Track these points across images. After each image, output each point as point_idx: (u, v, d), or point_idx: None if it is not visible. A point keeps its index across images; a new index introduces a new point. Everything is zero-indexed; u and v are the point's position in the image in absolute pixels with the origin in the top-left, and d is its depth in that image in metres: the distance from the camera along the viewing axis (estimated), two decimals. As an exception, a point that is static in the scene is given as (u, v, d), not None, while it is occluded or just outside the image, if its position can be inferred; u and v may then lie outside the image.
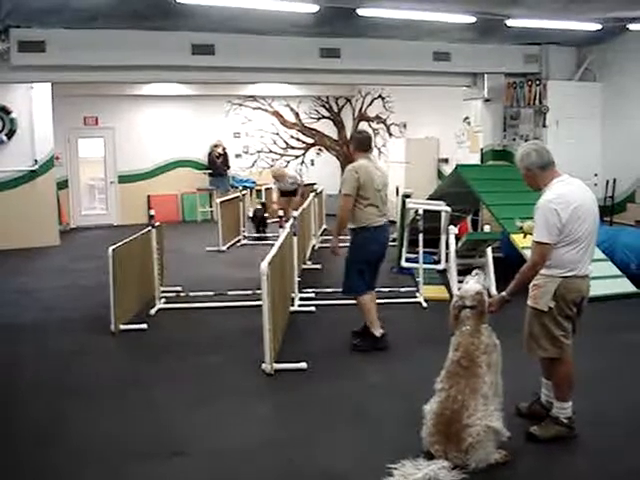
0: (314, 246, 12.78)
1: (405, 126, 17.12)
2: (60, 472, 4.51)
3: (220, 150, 17.98)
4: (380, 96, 17.92)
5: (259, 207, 15.55)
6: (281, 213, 12.28)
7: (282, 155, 19.38)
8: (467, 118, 14.02)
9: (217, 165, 17.88)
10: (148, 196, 17.65)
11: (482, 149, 13.05)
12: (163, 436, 5.02)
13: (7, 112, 13.86)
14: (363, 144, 7.01)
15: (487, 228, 9.79)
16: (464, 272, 7.79)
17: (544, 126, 12.16)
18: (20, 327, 7.98)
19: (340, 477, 4.35)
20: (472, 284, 4.67)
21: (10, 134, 13.93)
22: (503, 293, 4.71)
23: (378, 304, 8.46)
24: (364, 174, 6.76)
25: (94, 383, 6.17)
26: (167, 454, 4.72)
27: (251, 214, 15.32)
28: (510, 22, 10.15)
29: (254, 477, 4.40)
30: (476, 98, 12.96)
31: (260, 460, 4.63)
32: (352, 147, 7.24)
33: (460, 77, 12.64)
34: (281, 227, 8.73)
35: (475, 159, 13.10)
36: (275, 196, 14.13)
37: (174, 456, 4.69)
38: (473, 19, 9.87)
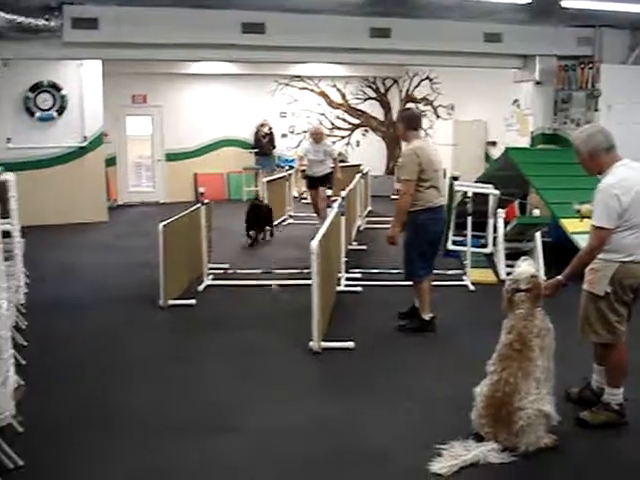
0: (359, 227, 12.77)
1: (453, 108, 16.96)
2: (109, 444, 4.58)
3: (266, 130, 18.01)
4: (428, 77, 17.78)
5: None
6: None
7: (328, 135, 19.31)
8: (517, 101, 13.83)
9: (263, 144, 17.92)
10: (195, 174, 17.78)
11: (532, 132, 12.88)
12: (211, 411, 5.09)
13: (58, 89, 14.05)
14: (413, 122, 6.80)
15: (537, 212, 9.68)
16: (512, 256, 7.77)
17: (596, 110, 11.94)
18: (69, 302, 8.11)
19: (388, 456, 4.36)
20: (525, 267, 4.63)
21: (60, 110, 14.11)
22: (559, 277, 4.66)
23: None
24: (424, 157, 6.57)
25: (143, 357, 6.27)
26: (215, 429, 4.79)
27: (296, 194, 15.32)
28: (565, 3, 9.96)
29: (301, 454, 4.44)
30: (527, 80, 12.77)
31: (307, 437, 4.68)
32: (402, 126, 6.85)
33: (511, 59, 12.46)
34: (329, 207, 8.73)
35: (524, 142, 12.94)
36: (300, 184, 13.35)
37: (222, 432, 4.75)
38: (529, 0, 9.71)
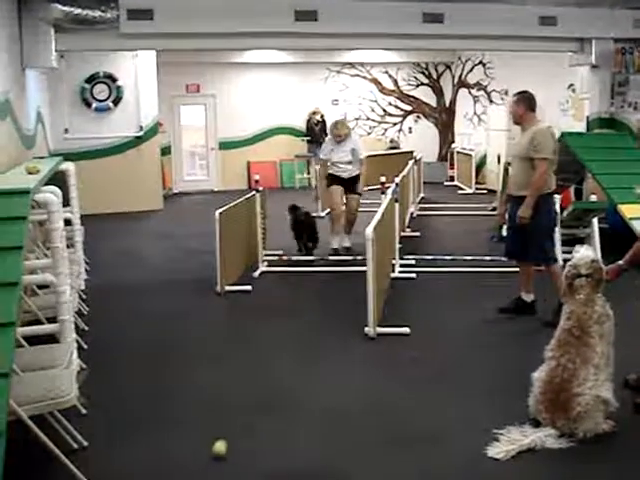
0: (413, 214, 12.73)
1: (506, 93, 16.75)
2: (174, 423, 4.68)
3: (318, 117, 18.06)
4: (481, 62, 17.60)
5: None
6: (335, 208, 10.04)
7: (380, 122, 19.29)
8: (572, 85, 13.62)
9: (315, 132, 17.96)
10: (248, 162, 17.92)
11: (588, 117, 12.66)
12: (268, 392, 5.16)
13: (113, 80, 14.27)
14: (533, 103, 6.64)
15: (593, 198, 9.54)
16: (568, 242, 7.68)
17: (654, 93, 11.71)
18: (128, 288, 8.28)
19: (445, 440, 4.37)
20: (585, 252, 4.58)
21: (116, 101, 14.35)
22: (620, 262, 4.61)
23: (480, 273, 8.47)
24: (555, 138, 6.55)
25: (202, 340, 6.37)
26: (273, 409, 4.86)
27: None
28: (622, -16, 9.77)
29: (356, 435, 4.48)
30: (582, 64, 12.55)
31: (363, 419, 4.72)
32: (523, 107, 6.58)
33: (566, 42, 12.23)
34: (383, 193, 8.73)
35: (580, 127, 12.73)
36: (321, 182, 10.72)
37: (279, 411, 4.82)
38: (586, -19, 9.54)
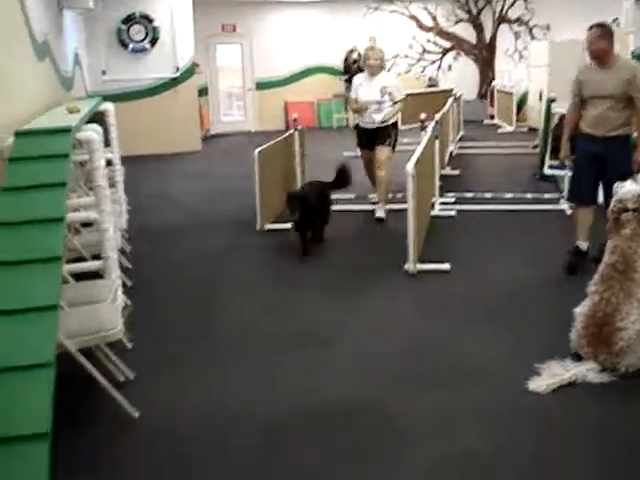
0: (452, 152, 12.60)
1: (548, 28, 16.37)
2: (215, 357, 4.76)
3: (356, 56, 17.82)
4: (522, -4, 17.17)
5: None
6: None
7: (419, 60, 18.99)
8: (616, 19, 13.22)
9: (353, 71, 17.71)
10: (285, 102, 17.81)
11: (632, 52, 12.32)
12: (309, 327, 5.21)
13: (150, 20, 14.21)
14: (613, 37, 6.13)
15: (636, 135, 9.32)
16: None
17: (702, 26, 11.33)
18: (169, 227, 8.35)
19: (485, 375, 4.39)
20: (630, 186, 4.51)
21: (153, 42, 14.31)
22: None
23: (521, 211, 8.39)
24: None
25: (243, 277, 6.42)
26: (313, 344, 4.91)
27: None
28: None
29: (397, 372, 4.51)
30: (627, -3, 12.18)
31: (403, 355, 4.74)
32: (607, 43, 6.00)
33: (611, -26, 11.90)
34: (423, 130, 8.63)
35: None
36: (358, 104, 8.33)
37: (320, 346, 4.87)
38: None
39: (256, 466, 3.52)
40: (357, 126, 8.66)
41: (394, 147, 8.41)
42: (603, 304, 4.32)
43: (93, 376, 3.80)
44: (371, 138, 8.35)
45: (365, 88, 8.24)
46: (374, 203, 8.54)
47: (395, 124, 8.40)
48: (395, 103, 8.19)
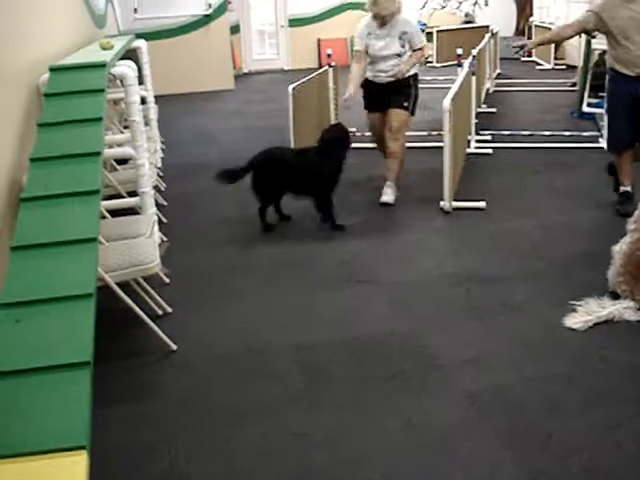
0: (489, 89, 12.38)
1: (590, -39, 15.86)
2: (250, 295, 4.80)
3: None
4: None
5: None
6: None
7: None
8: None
9: (387, 7, 17.39)
10: (318, 40, 17.57)
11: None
12: (347, 265, 5.22)
13: (181, -44, 14.03)
14: None
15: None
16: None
17: None
18: (201, 166, 8.30)
19: (523, 312, 4.38)
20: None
21: (184, -22, 14.15)
22: None
23: (559, 149, 8.27)
24: None
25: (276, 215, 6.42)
26: (352, 282, 4.93)
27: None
28: None
29: (435, 305, 4.53)
30: None
31: (441, 290, 4.76)
32: None
33: None
34: (459, 65, 8.45)
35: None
36: (352, 84, 6.50)
37: (358, 283, 4.89)
38: None
39: (291, 391, 3.58)
40: (366, 83, 6.70)
41: (413, 111, 6.61)
42: (642, 242, 4.27)
43: (132, 309, 3.86)
44: (384, 96, 6.53)
45: (380, 38, 6.40)
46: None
47: (415, 77, 6.60)
48: (415, 51, 6.45)
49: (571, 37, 6.44)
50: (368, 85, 6.69)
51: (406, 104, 6.50)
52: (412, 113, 6.59)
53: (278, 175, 5.86)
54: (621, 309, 4.23)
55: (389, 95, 6.52)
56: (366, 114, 6.85)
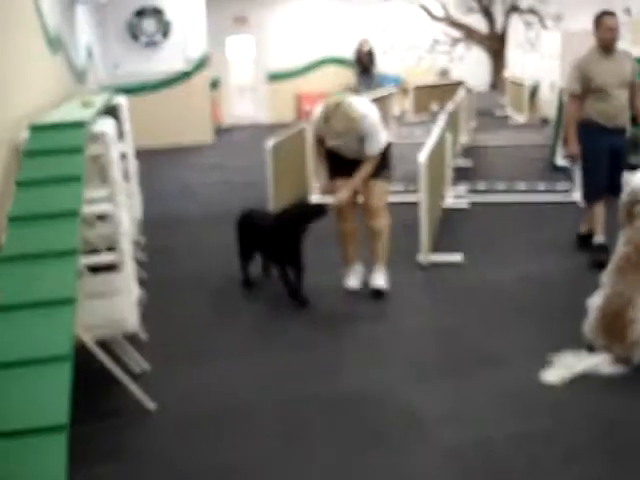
0: (464, 143, 12.56)
1: (560, 18, 16.27)
2: (229, 353, 4.78)
3: (367, 47, 17.78)
4: (534, -14, 17.07)
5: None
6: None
7: (430, 51, 18.91)
8: (629, 9, 13.16)
9: (364, 62, 17.72)
10: (297, 94, 17.80)
11: (646, 41, 12.27)
12: (325, 322, 5.22)
13: (161, 14, 14.24)
14: None
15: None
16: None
17: None
18: (182, 220, 8.37)
19: (500, 365, 4.40)
20: (642, 177, 4.50)
21: (164, 35, 14.34)
22: None
23: (533, 203, 8.37)
24: None
25: (259, 269, 6.39)
26: (330, 337, 4.93)
27: (397, 113, 15.11)
28: None
29: (411, 359, 4.54)
30: (642, -15, 12.11)
31: (417, 344, 4.78)
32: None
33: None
34: (434, 122, 8.57)
35: (637, 52, 12.32)
36: (316, 156, 5.73)
37: (336, 338, 4.89)
38: None
39: (272, 450, 3.56)
40: (330, 152, 5.53)
41: (390, 177, 5.72)
42: (616, 296, 4.32)
43: (109, 368, 3.84)
44: (355, 167, 5.42)
45: (336, 138, 5.33)
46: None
47: (388, 146, 5.58)
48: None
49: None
50: (332, 156, 5.55)
51: (386, 172, 5.60)
52: (388, 179, 5.67)
53: (249, 234, 5.95)
54: (598, 363, 4.26)
55: (360, 164, 5.43)
56: (330, 187, 5.57)
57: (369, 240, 5.70)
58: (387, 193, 5.67)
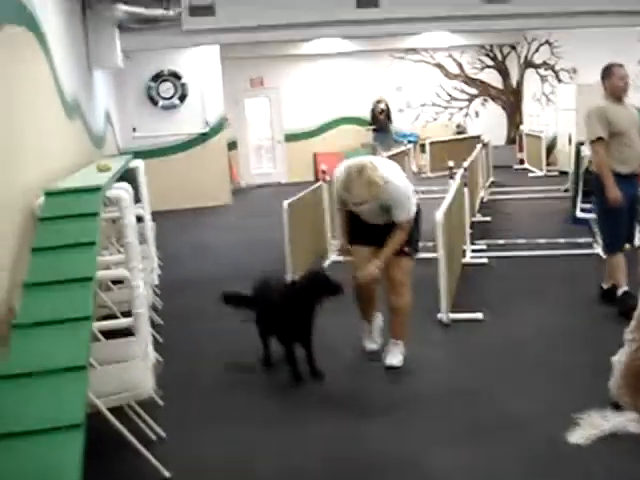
0: (483, 198, 12.55)
1: (575, 71, 16.35)
2: (246, 419, 4.70)
3: (383, 105, 17.93)
4: (547, 41, 17.18)
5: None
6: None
7: (446, 108, 19.04)
8: (642, 60, 13.22)
9: (380, 120, 17.85)
10: (314, 154, 17.94)
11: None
12: (340, 388, 5.14)
13: (178, 77, 14.47)
14: None
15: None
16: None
17: None
18: (200, 282, 8.33)
19: (525, 426, 4.29)
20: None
21: (182, 98, 14.55)
22: None
23: (554, 257, 8.29)
24: None
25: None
26: (346, 403, 4.84)
27: (415, 169, 15.16)
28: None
29: (433, 422, 4.44)
30: (653, 38, 12.16)
31: (439, 406, 4.68)
32: None
33: (635, 16, 11.86)
34: (451, 178, 8.59)
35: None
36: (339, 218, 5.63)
37: (353, 403, 4.82)
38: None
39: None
40: (352, 216, 5.32)
41: (417, 251, 5.37)
42: (641, 352, 4.22)
43: (124, 435, 3.77)
44: (377, 233, 5.17)
45: (359, 206, 5.08)
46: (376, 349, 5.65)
47: (417, 212, 5.25)
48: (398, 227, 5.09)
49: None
50: (354, 222, 5.32)
51: (408, 249, 5.21)
52: (415, 254, 5.33)
53: (262, 307, 5.45)
54: (625, 422, 4.15)
55: (385, 234, 5.12)
56: (347, 249, 5.43)
57: (389, 314, 5.45)
58: (410, 270, 5.30)
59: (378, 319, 5.71)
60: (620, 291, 6.18)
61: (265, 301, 5.35)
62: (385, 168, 5.07)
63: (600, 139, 6.05)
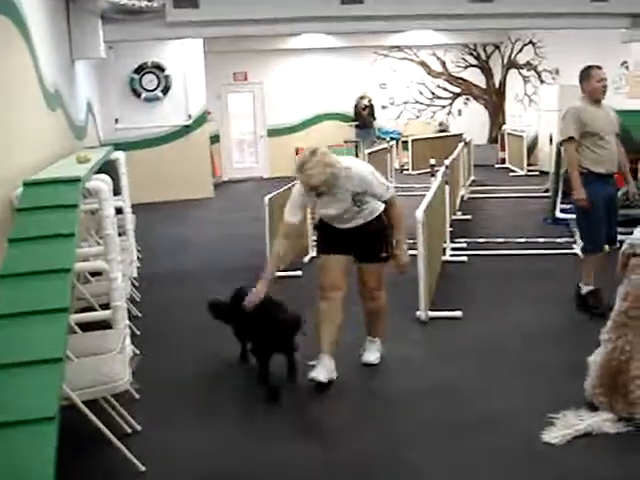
0: (463, 197, 12.59)
1: (557, 72, 16.43)
2: (223, 413, 4.69)
3: (366, 102, 17.97)
4: (531, 42, 17.25)
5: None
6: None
7: (428, 105, 19.09)
8: (625, 62, 13.29)
9: (363, 117, 17.88)
10: (296, 149, 17.90)
11: (643, 94, 12.36)
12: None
13: (162, 70, 14.39)
14: None
15: (649, 177, 9.31)
16: (623, 223, 7.49)
17: None
18: (179, 275, 8.32)
19: (500, 424, 4.31)
20: (643, 231, 4.47)
21: (165, 91, 14.47)
22: None
23: (533, 256, 8.33)
24: None
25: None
26: (325, 396, 4.83)
27: (397, 166, 15.19)
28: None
29: (410, 418, 4.46)
30: (637, 40, 12.21)
31: (416, 403, 4.69)
32: None
33: (618, 18, 11.92)
34: (432, 176, 8.61)
35: (633, 105, 12.41)
36: (262, 283, 4.90)
37: (334, 398, 4.82)
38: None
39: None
40: (321, 223, 5.16)
41: (391, 253, 5.03)
42: (617, 352, 4.25)
43: (100, 429, 3.75)
44: (350, 240, 4.98)
45: (322, 205, 4.94)
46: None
47: (384, 226, 5.05)
48: (388, 206, 4.95)
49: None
50: (325, 229, 5.12)
51: (384, 254, 5.03)
52: (389, 257, 5.07)
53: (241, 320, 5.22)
54: (600, 421, 4.17)
55: (358, 241, 4.96)
56: (321, 259, 5.15)
57: (365, 315, 5.37)
58: (383, 273, 5.18)
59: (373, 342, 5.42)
60: (585, 289, 6.26)
61: (241, 313, 4.99)
62: (343, 158, 4.87)
63: (571, 139, 6.10)
